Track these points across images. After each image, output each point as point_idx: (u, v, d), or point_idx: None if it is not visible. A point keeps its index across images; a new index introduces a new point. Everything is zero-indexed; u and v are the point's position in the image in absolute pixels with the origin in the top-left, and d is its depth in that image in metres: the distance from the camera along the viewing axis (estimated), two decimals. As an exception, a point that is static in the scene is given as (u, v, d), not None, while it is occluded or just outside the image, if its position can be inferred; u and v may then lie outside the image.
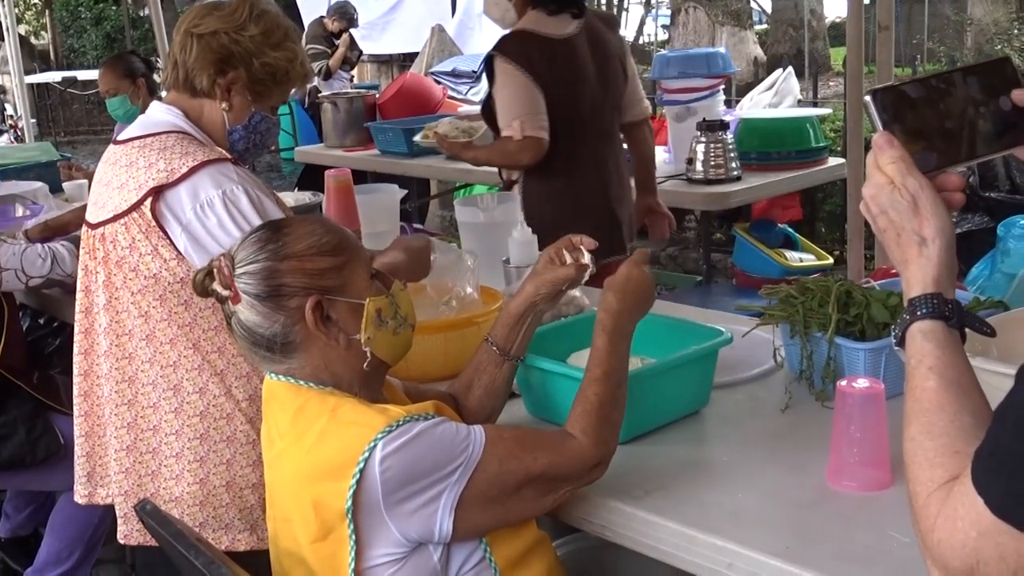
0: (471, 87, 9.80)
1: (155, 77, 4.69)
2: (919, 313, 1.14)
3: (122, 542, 2.12)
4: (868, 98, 1.18)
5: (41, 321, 3.81)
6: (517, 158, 3.30)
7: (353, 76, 10.37)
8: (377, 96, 6.20)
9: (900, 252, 1.17)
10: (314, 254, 1.64)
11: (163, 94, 2.40)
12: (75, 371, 2.15)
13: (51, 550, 3.17)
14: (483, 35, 12.35)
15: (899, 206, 1.15)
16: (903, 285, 1.18)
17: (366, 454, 1.49)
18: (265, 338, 1.64)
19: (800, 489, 1.68)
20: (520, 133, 3.23)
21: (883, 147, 1.16)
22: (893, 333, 1.19)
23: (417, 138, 5.18)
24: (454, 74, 10.10)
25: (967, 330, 1.17)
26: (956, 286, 1.19)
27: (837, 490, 1.66)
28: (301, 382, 1.65)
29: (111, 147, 2.14)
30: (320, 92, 7.70)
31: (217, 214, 1.96)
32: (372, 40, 13.06)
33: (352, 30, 9.81)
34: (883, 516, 1.55)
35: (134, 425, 2.04)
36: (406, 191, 3.29)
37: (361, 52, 9.46)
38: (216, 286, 1.66)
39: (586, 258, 1.87)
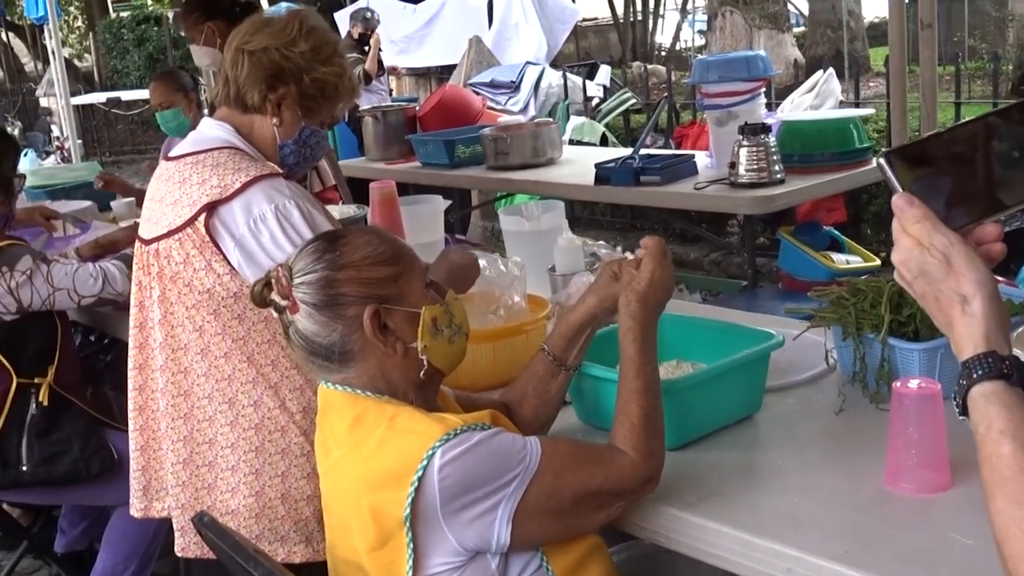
0: (510, 97, 9.82)
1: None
2: (975, 376, 1.06)
3: (180, 555, 2.13)
4: (882, 160, 1.11)
5: (92, 338, 3.86)
6: None
7: (392, 90, 10.40)
8: (417, 108, 6.22)
9: (943, 315, 1.09)
10: (371, 264, 1.66)
11: (205, 111, 2.43)
12: (130, 385, 2.18)
13: (106, 565, 3.21)
14: (520, 45, 12.39)
15: (931, 267, 1.08)
16: (953, 348, 1.10)
17: (424, 462, 1.50)
18: (323, 347, 1.65)
19: (857, 492, 1.67)
20: None
21: (904, 208, 1.10)
22: (954, 401, 1.11)
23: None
24: (492, 84, 10.13)
25: None
26: (1007, 282, 1.15)
27: (895, 493, 1.65)
28: (358, 391, 1.66)
29: (163, 163, 2.17)
30: (360, 107, 7.73)
31: (270, 228, 1.98)
32: (409, 54, 13.13)
33: (390, 44, 9.82)
34: (943, 518, 1.54)
35: (190, 438, 2.06)
36: (449, 202, 3.30)
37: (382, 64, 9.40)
38: (274, 296, 1.68)
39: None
